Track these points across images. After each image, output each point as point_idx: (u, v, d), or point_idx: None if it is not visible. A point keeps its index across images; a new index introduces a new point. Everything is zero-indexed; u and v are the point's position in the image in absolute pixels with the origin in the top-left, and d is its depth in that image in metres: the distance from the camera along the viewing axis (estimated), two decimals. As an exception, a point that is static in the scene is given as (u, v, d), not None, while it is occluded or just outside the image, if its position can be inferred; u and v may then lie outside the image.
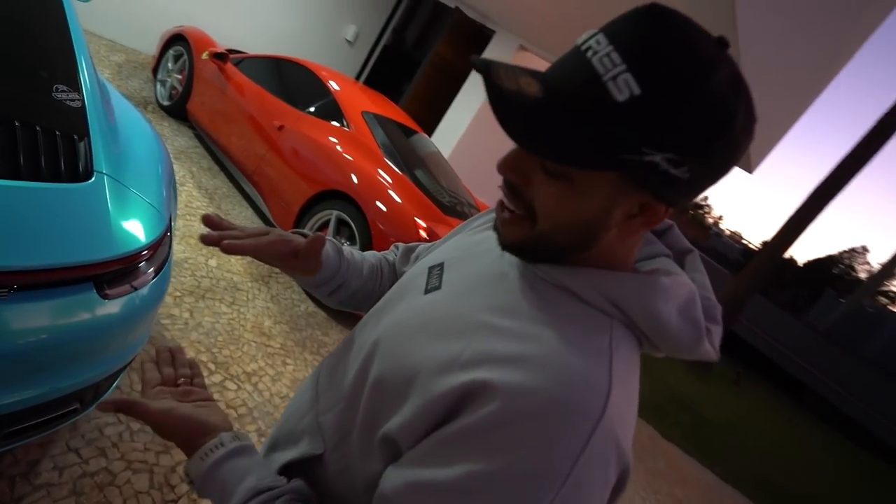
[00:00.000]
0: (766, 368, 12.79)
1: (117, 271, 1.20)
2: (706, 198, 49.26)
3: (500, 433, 0.40)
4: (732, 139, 0.42)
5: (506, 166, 0.47)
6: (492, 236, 0.60)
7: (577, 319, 0.46)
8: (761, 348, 13.02)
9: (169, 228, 1.44)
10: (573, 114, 0.41)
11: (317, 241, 0.66)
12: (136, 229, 1.26)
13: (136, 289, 1.26)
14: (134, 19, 4.87)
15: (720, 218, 55.56)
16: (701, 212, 49.09)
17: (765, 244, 10.60)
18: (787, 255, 9.53)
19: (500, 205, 0.50)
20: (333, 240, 0.75)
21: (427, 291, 0.57)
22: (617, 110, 0.40)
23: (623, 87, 0.39)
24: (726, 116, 0.41)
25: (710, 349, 0.49)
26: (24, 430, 1.11)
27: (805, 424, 10.73)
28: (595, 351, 0.44)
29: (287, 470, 0.58)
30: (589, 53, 0.42)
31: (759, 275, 9.26)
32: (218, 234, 0.61)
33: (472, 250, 0.60)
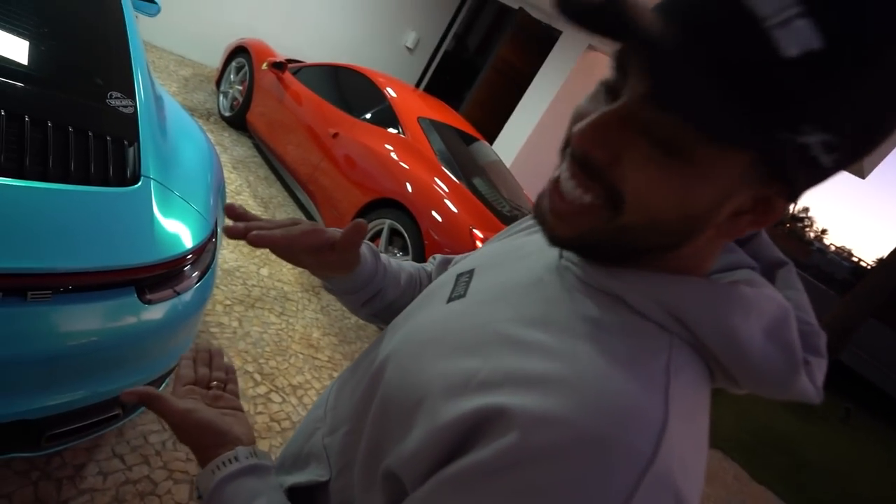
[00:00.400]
0: (881, 404, 11.54)
1: (160, 276, 1.25)
2: (806, 208, 45.76)
3: (516, 474, 0.33)
4: (888, 128, 0.33)
5: (591, 138, 0.36)
6: (531, 242, 0.54)
7: (625, 334, 0.39)
8: (875, 380, 11.78)
9: (214, 234, 1.49)
10: (720, 68, 0.30)
11: (357, 229, 0.59)
12: (181, 234, 1.30)
13: (178, 294, 1.31)
14: (200, 34, 5.25)
15: (824, 231, 51.38)
16: (801, 224, 45.65)
17: (880, 261, 9.65)
18: (908, 274, 8.59)
19: (555, 191, 0.40)
20: (370, 243, 0.71)
21: (450, 300, 0.52)
22: (783, 70, 0.30)
23: (797, 37, 0.29)
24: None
25: (810, 386, 0.40)
26: (68, 433, 1.17)
27: (933, 474, 9.54)
28: (646, 374, 0.36)
29: (291, 494, 0.54)
30: None
31: (874, 295, 8.42)
32: (244, 226, 0.57)
33: (508, 256, 0.54)
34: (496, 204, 3.17)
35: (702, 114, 0.31)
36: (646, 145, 0.35)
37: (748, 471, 4.34)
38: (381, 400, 0.47)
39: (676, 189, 0.35)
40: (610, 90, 0.38)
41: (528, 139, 5.66)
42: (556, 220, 0.41)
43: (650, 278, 0.40)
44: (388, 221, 2.96)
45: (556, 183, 0.41)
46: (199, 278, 1.39)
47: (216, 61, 5.31)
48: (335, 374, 2.36)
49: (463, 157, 3.48)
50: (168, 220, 1.29)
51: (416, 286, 0.76)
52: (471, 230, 2.76)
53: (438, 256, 0.80)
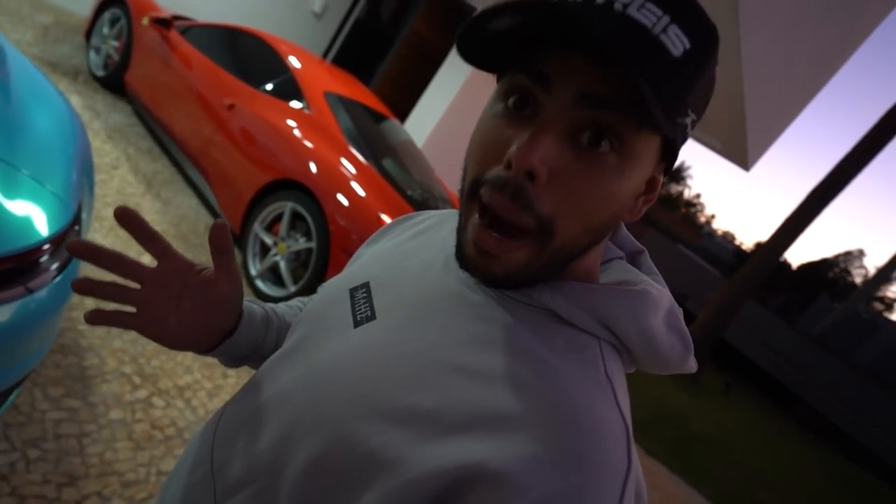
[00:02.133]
0: (757, 378, 13.10)
1: (6, 271, 1.09)
2: (699, 195, 50.37)
3: None
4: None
5: (535, 152, 0.37)
6: (423, 246, 0.53)
7: (566, 346, 0.42)
8: (753, 357, 13.33)
9: (77, 219, 1.32)
10: (642, 70, 0.35)
11: (218, 230, 0.51)
12: (31, 221, 1.14)
13: (31, 291, 1.15)
14: (66, -23, 4.63)
15: (713, 217, 56.92)
16: (693, 209, 50.22)
17: (759, 245, 10.84)
18: (782, 258, 9.76)
19: (482, 232, 0.40)
20: (258, 302, 0.64)
21: (358, 323, 0.47)
22: (675, 67, 0.37)
23: (676, 40, 0.37)
24: (714, 80, 0.43)
25: (694, 361, 0.48)
26: None
27: (797, 438, 11.03)
28: (597, 386, 0.40)
29: None
30: (617, 6, 0.36)
31: (754, 278, 9.46)
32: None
33: (404, 265, 0.51)
34: (406, 187, 3.13)
35: (636, 107, 0.36)
36: (578, 148, 0.38)
37: (643, 447, 4.74)
38: (311, 457, 0.40)
39: (609, 187, 0.39)
40: (522, 102, 0.40)
41: (441, 119, 5.64)
42: (489, 261, 0.41)
43: (574, 290, 0.43)
44: (289, 204, 2.82)
45: (480, 226, 0.41)
46: (60, 271, 1.23)
47: (84, 8, 4.71)
48: (229, 373, 2.22)
49: (372, 136, 3.39)
50: (13, 203, 1.12)
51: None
52: (379, 215, 2.70)
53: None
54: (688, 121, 0.40)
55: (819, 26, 3.93)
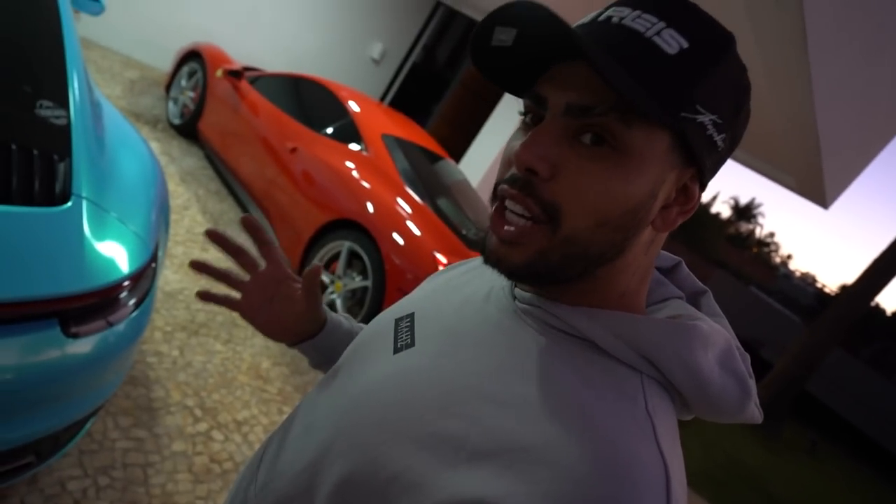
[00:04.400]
0: (848, 435, 12.01)
1: (89, 306, 1.19)
2: (772, 234, 47.88)
3: None
4: (746, 115, 0.44)
5: (530, 152, 0.40)
6: (470, 281, 0.55)
7: (602, 379, 0.41)
8: (841, 411, 12.27)
9: (154, 258, 1.43)
10: (627, 68, 0.39)
11: (312, 273, 0.64)
12: (116, 259, 1.24)
13: (111, 325, 1.25)
14: (150, 35, 5.14)
15: (789, 257, 53.77)
16: (766, 249, 47.70)
17: (844, 288, 10.13)
18: (872, 302, 9.06)
19: (499, 222, 0.43)
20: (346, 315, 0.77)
21: (397, 350, 0.50)
22: (670, 63, 0.40)
23: (670, 40, 0.40)
24: (746, 86, 0.44)
25: (756, 411, 0.45)
26: (-28, 483, 1.08)
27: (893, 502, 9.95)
28: (634, 422, 0.38)
29: None
30: (614, 20, 0.41)
31: (839, 323, 8.81)
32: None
33: (448, 299, 0.54)
34: (461, 226, 3.18)
35: (617, 106, 0.39)
36: (580, 146, 0.41)
37: (716, 506, 4.42)
38: (341, 477, 0.43)
39: (615, 181, 0.40)
40: (532, 121, 0.44)
41: (496, 159, 5.73)
42: (506, 249, 0.43)
43: (613, 318, 0.42)
44: (347, 243, 2.92)
45: (497, 216, 0.44)
46: (136, 306, 1.33)
47: (166, 64, 5.20)
48: (285, 409, 2.28)
49: (428, 176, 3.49)
50: (101, 243, 1.23)
51: None
52: (434, 254, 2.75)
53: None
54: (703, 119, 0.40)
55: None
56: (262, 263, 0.68)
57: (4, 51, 1.35)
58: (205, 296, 0.65)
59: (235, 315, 2.62)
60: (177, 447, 1.79)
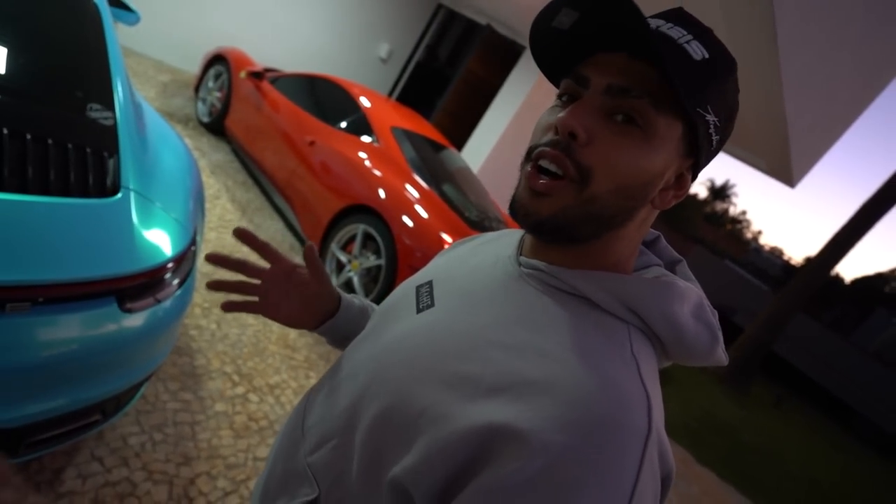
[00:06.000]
0: (810, 391, 12.11)
1: (140, 285, 1.21)
2: (744, 212, 47.59)
3: (548, 475, 0.35)
4: (732, 127, 0.47)
5: (573, 118, 0.43)
6: (481, 252, 0.58)
7: (595, 328, 0.44)
8: (804, 369, 12.35)
9: (193, 242, 1.45)
10: (665, 61, 0.41)
11: (308, 253, 0.66)
12: (161, 243, 1.27)
13: (159, 301, 1.27)
14: (179, 40, 5.09)
15: (759, 233, 53.50)
16: (739, 226, 47.46)
17: (808, 260, 10.11)
18: (833, 271, 9.05)
19: (533, 175, 0.45)
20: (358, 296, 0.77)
21: (420, 311, 0.53)
22: (696, 67, 0.43)
23: (697, 49, 0.43)
24: (737, 104, 0.47)
25: (723, 354, 0.48)
26: (48, 439, 1.12)
27: (853, 450, 10.07)
28: (622, 362, 0.41)
29: None
30: (652, 25, 0.44)
31: (803, 291, 8.83)
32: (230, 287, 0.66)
33: (461, 267, 0.57)
34: (464, 209, 3.19)
35: (651, 94, 0.42)
36: (612, 124, 0.43)
37: (693, 453, 4.50)
38: (376, 412, 0.47)
39: (638, 156, 0.43)
40: (570, 98, 0.47)
41: (495, 147, 5.70)
42: (536, 202, 0.45)
43: (606, 278, 0.46)
44: (362, 226, 2.94)
45: (533, 171, 0.46)
46: (180, 285, 1.36)
47: (195, 66, 5.16)
48: (311, 374, 2.33)
49: (433, 164, 3.49)
50: (148, 229, 1.26)
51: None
52: (440, 234, 2.77)
53: None
54: (709, 119, 0.43)
55: (863, 45, 3.70)
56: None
57: (59, 61, 1.36)
58: (228, 306, 0.66)
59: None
60: (219, 408, 1.84)
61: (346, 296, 0.73)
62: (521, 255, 0.52)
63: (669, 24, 0.44)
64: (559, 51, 0.47)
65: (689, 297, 0.47)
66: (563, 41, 0.46)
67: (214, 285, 0.64)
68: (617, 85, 0.43)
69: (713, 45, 0.44)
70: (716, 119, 0.44)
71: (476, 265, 0.55)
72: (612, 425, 0.36)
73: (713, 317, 0.49)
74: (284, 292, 0.67)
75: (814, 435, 9.64)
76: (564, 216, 0.44)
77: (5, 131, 1.07)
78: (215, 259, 0.63)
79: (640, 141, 0.43)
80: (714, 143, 0.45)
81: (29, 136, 1.10)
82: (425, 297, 0.54)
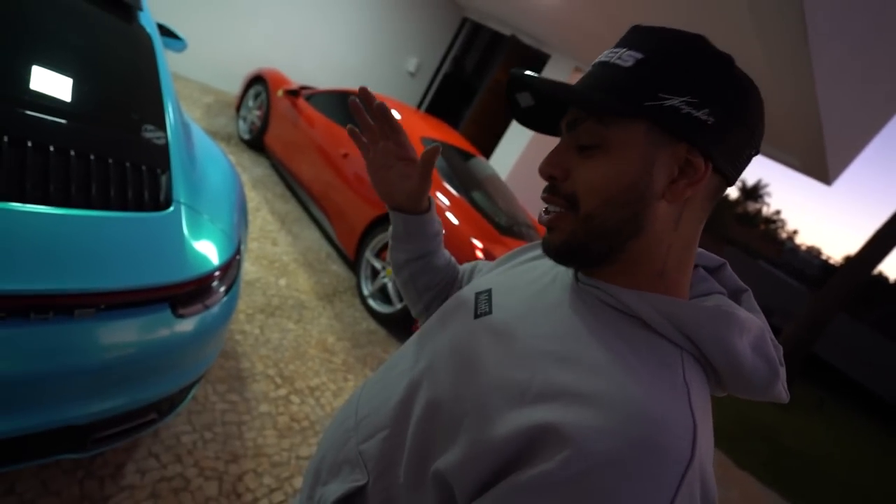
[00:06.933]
0: (853, 393, 11.47)
1: (191, 292, 1.27)
2: (778, 211, 45.70)
3: (582, 480, 0.35)
4: (743, 87, 0.44)
5: (546, 164, 0.49)
6: (539, 266, 0.59)
7: (648, 350, 0.43)
8: (847, 371, 11.72)
9: (238, 251, 1.51)
10: (597, 87, 0.46)
11: (432, 152, 0.65)
12: (209, 253, 1.32)
13: (207, 308, 1.32)
14: (221, 64, 5.29)
15: (795, 232, 51.20)
16: (773, 226, 45.58)
17: (848, 258, 9.62)
18: (876, 270, 8.58)
19: (542, 215, 0.51)
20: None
21: (477, 316, 0.54)
22: (628, 72, 0.45)
23: (627, 58, 0.46)
24: (726, 64, 0.44)
25: (783, 391, 0.46)
26: (111, 436, 1.18)
27: (903, 457, 9.47)
28: (672, 386, 0.40)
29: None
30: (597, 60, 0.49)
31: (844, 291, 8.39)
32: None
33: (521, 278, 0.58)
34: (494, 215, 3.19)
35: (594, 104, 0.46)
36: (577, 157, 0.48)
37: (732, 458, 4.34)
38: (426, 406, 0.48)
39: (609, 168, 0.45)
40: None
41: (522, 154, 5.68)
42: (549, 235, 0.50)
43: (660, 300, 0.45)
44: (395, 234, 2.97)
45: (543, 212, 0.51)
46: (226, 292, 1.41)
47: (236, 88, 5.36)
48: (349, 377, 2.37)
49: (462, 172, 3.50)
50: (198, 240, 1.31)
51: (453, 273, 0.78)
52: (471, 240, 2.77)
53: (474, 263, 0.81)
54: (673, 102, 0.43)
55: (899, 38, 3.52)
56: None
57: (117, 87, 1.44)
58: (355, 134, 0.69)
59: (304, 298, 2.72)
60: (263, 409, 1.89)
61: (435, 216, 0.73)
62: (579, 272, 0.52)
63: (610, 50, 0.48)
64: (544, 116, 0.54)
65: (749, 328, 0.45)
66: (541, 110, 0.53)
67: (356, 105, 0.67)
68: (569, 121, 0.49)
69: (650, 44, 0.46)
70: (686, 97, 0.43)
71: (535, 278, 0.56)
72: (654, 447, 0.35)
73: (775, 351, 0.46)
74: (385, 165, 0.69)
75: (858, 438, 9.12)
76: (574, 240, 0.47)
77: (73, 153, 1.14)
78: (364, 93, 0.66)
79: (601, 154, 0.46)
80: (705, 115, 0.43)
81: (92, 157, 1.17)
82: (483, 304, 0.56)
